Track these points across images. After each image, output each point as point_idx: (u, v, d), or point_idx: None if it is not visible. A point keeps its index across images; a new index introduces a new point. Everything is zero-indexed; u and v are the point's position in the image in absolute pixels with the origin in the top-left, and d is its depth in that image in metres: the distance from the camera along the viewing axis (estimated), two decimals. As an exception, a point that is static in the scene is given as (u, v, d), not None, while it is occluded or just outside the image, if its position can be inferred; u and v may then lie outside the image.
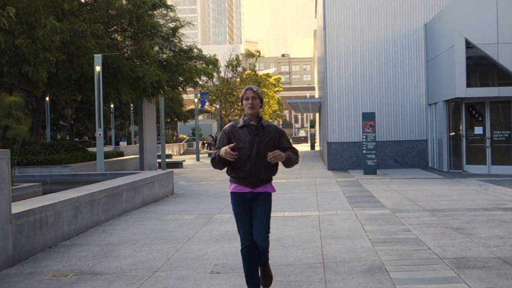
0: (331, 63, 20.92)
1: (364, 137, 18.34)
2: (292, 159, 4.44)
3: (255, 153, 4.36)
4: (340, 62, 20.89)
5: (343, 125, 20.92)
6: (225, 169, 4.49)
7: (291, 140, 4.61)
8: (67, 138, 42.38)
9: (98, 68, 15.69)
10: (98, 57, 15.78)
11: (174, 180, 14.42)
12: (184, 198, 12.67)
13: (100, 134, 16.04)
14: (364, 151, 18.30)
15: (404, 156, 20.73)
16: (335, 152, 20.96)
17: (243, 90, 4.46)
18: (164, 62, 19.34)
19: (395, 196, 11.92)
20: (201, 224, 8.65)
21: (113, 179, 11.69)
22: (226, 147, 4.31)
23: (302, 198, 11.87)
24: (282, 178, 17.43)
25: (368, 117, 18.38)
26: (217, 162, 4.37)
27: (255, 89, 4.48)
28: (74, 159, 18.26)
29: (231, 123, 4.59)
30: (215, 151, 4.45)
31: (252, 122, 4.41)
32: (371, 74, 20.87)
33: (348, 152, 20.89)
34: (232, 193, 4.51)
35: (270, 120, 70.94)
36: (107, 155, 21.61)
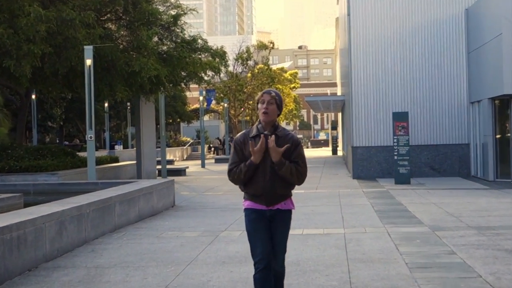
0: (356, 56, 20.86)
1: (395, 140, 18.17)
2: (289, 169, 4.38)
3: (269, 167, 4.37)
4: (367, 54, 20.82)
5: (371, 127, 20.81)
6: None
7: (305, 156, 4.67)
8: (57, 141, 42.51)
9: (88, 62, 15.65)
10: (88, 49, 15.71)
11: (175, 190, 14.40)
12: (186, 211, 12.60)
13: (91, 137, 15.95)
14: (396, 157, 18.14)
15: (442, 163, 20.54)
16: (361, 158, 20.84)
17: (260, 93, 4.52)
18: (164, 55, 19.25)
19: (434, 210, 11.72)
20: (206, 243, 8.51)
21: (105, 189, 11.62)
22: (253, 147, 4.34)
23: (324, 212, 11.73)
24: (299, 188, 17.15)
25: (400, 118, 18.19)
26: (238, 175, 4.41)
27: (273, 93, 4.50)
28: (62, 165, 18.24)
29: (243, 131, 4.58)
30: (231, 167, 4.47)
31: (266, 132, 4.42)
32: (403, 67, 20.78)
33: (377, 158, 20.79)
34: (246, 209, 4.53)
35: (285, 122, 70.98)
36: (100, 161, 21.60)
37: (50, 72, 16.98)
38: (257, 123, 4.53)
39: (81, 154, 22.16)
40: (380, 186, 17.41)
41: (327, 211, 11.96)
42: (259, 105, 4.46)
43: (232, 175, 4.44)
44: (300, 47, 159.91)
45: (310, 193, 15.92)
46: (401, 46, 20.73)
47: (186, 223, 10.71)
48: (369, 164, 20.80)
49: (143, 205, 11.39)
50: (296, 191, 17.61)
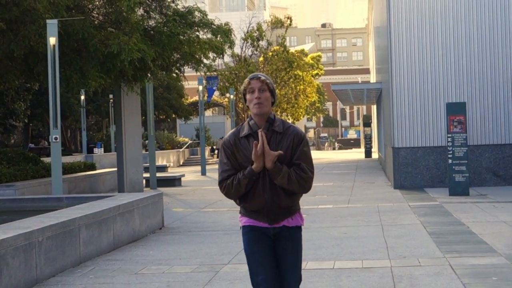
0: (398, 35, 20.52)
1: (449, 139, 17.64)
2: (286, 177, 4.32)
3: (269, 175, 4.35)
4: (412, 32, 20.48)
5: (417, 123, 20.40)
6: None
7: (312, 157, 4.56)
8: (21, 143, 42.13)
9: (52, 40, 15.20)
10: (52, 24, 15.26)
11: (165, 206, 14.03)
12: (178, 235, 11.97)
13: (56, 139, 15.41)
14: (450, 161, 17.60)
15: (508, 168, 20.07)
16: (405, 163, 20.41)
17: (246, 80, 4.46)
18: (151, 31, 18.96)
19: (507, 232, 11.04)
20: (201, 283, 7.85)
21: (70, 206, 11.05)
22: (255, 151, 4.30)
23: (361, 236, 11.09)
24: (326, 201, 16.90)
25: (456, 110, 17.67)
26: (236, 188, 4.40)
27: (263, 77, 4.45)
28: (22, 175, 17.98)
29: (232, 131, 4.56)
30: (223, 176, 4.46)
31: (259, 130, 4.37)
32: (458, 48, 20.30)
33: (425, 162, 20.35)
34: (244, 226, 4.52)
35: (306, 117, 70.29)
36: (71, 169, 21.32)
37: (3, 54, 16.69)
38: (248, 119, 4.50)
39: (49, 159, 21.58)
40: (431, 199, 16.96)
41: (364, 233, 11.36)
42: (248, 96, 4.41)
43: (226, 188, 4.41)
44: (323, 25, 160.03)
45: (341, 208, 15.40)
46: (455, 22, 20.24)
47: (177, 252, 10.03)
48: (414, 170, 20.37)
49: (120, 228, 10.75)
50: (323, 205, 17.02)
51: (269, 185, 4.36)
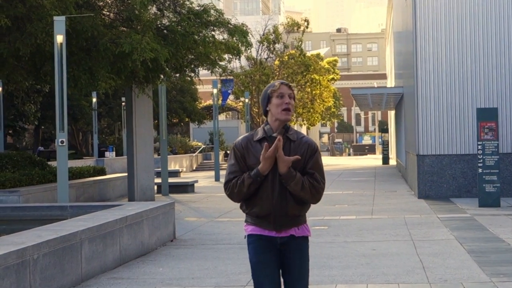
0: (424, 38, 20.23)
1: (480, 147, 16.98)
2: (300, 183, 4.36)
3: (279, 180, 4.39)
4: (439, 35, 20.13)
5: (443, 129, 19.91)
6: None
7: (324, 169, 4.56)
8: (32, 146, 41.60)
9: (60, 38, 14.61)
10: (60, 21, 14.68)
11: (177, 215, 13.15)
12: (191, 249, 11.10)
13: (62, 142, 14.73)
14: (480, 170, 16.90)
15: None
16: (430, 171, 19.92)
17: (276, 83, 4.52)
18: (165, 31, 18.42)
19: None
20: None
21: (74, 216, 10.35)
22: (265, 152, 4.34)
23: (392, 253, 10.17)
24: (348, 212, 16.11)
25: (487, 116, 17.02)
26: (239, 188, 4.40)
27: (291, 85, 4.56)
28: (27, 179, 17.26)
29: (245, 134, 4.64)
30: (229, 177, 4.48)
31: (274, 134, 4.44)
32: (488, 50, 19.78)
33: (451, 171, 19.78)
34: (250, 235, 4.52)
35: (321, 122, 69.54)
36: (80, 174, 20.62)
37: (8, 53, 16.11)
38: (263, 124, 4.54)
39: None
40: (460, 210, 16.17)
41: (395, 250, 10.45)
42: (275, 100, 4.44)
43: (231, 188, 4.41)
44: (338, 30, 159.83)
45: (365, 220, 14.55)
46: (485, 23, 19.80)
47: (189, 270, 9.12)
48: (440, 179, 19.83)
49: (127, 241, 9.87)
50: (345, 216, 16.21)
51: (278, 190, 4.38)
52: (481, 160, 16.78)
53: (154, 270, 9.09)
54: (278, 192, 4.39)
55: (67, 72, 15.16)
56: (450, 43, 19.98)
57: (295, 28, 47.88)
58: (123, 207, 11.15)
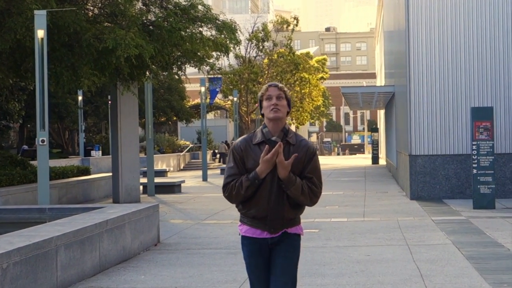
0: (417, 38, 20.13)
1: (474, 147, 16.71)
2: (300, 188, 4.44)
3: (277, 183, 4.45)
4: (432, 34, 20.02)
5: (436, 129, 19.68)
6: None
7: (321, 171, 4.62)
8: (16, 145, 41.04)
9: (41, 33, 14.19)
10: (41, 16, 14.27)
11: (162, 216, 12.85)
12: (175, 253, 10.62)
13: (43, 141, 14.31)
14: (475, 171, 16.60)
15: None
16: (423, 172, 19.73)
17: (264, 87, 4.62)
18: (150, 26, 18.10)
19: None
20: None
21: (52, 220, 9.84)
22: (265, 155, 4.41)
23: (387, 259, 9.70)
24: (339, 214, 15.68)
25: (482, 115, 16.77)
26: (237, 190, 4.47)
27: (280, 86, 4.62)
28: (7, 180, 16.85)
29: (243, 136, 4.66)
30: (228, 180, 4.53)
31: (273, 138, 4.52)
32: (482, 48, 19.63)
33: (444, 171, 19.53)
34: (244, 237, 4.62)
35: (310, 122, 69.46)
36: (64, 173, 20.28)
37: None
38: (261, 126, 4.61)
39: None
40: (454, 212, 15.78)
41: (390, 255, 9.99)
42: (265, 103, 4.55)
43: (229, 191, 4.48)
44: (327, 29, 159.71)
45: (357, 222, 14.10)
46: (480, 21, 19.65)
47: (173, 278, 8.61)
48: (433, 180, 19.56)
49: (107, 246, 9.36)
50: (336, 219, 15.72)
51: (275, 194, 4.45)
52: (476, 161, 16.51)
53: (136, 278, 8.57)
54: (275, 195, 4.46)
55: (49, 69, 14.82)
56: (443, 43, 19.86)
57: (285, 26, 47.56)
58: (104, 210, 10.61)
